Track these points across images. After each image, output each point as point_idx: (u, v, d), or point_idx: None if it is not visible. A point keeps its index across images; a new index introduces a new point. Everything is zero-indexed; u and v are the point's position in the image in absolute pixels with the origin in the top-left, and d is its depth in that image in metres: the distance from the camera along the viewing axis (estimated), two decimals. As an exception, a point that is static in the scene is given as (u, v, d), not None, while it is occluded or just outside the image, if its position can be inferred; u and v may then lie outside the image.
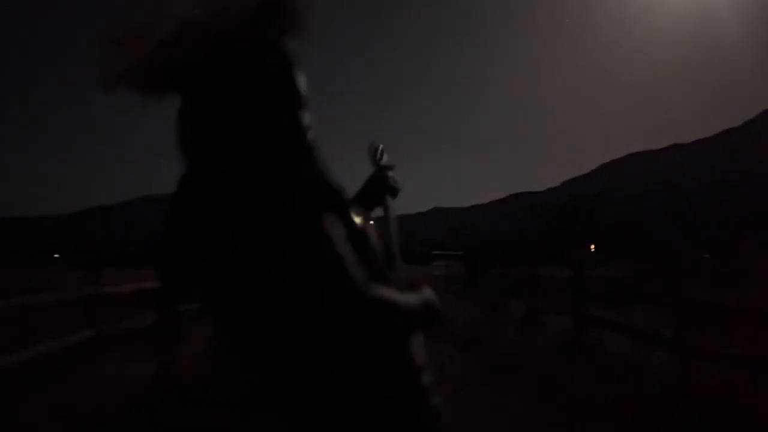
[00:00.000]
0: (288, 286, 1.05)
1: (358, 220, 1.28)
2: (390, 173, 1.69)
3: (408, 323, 1.18)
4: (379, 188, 1.66)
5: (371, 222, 1.40)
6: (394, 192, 1.68)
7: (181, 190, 1.19)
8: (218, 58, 1.18)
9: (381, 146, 1.75)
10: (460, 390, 4.97)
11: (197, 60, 1.18)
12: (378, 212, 1.66)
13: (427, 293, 1.28)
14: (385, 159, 1.73)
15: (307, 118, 1.25)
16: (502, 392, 5.21)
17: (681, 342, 5.33)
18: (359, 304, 1.07)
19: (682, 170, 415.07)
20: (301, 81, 1.25)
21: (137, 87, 1.19)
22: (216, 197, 1.12)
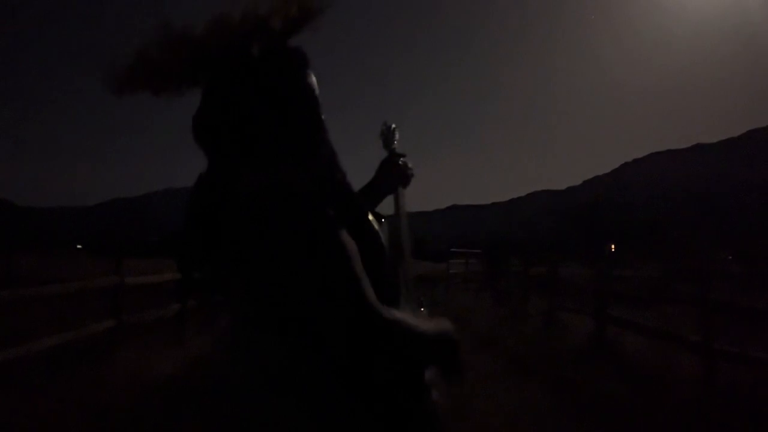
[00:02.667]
0: (302, 294, 1.04)
1: (373, 222, 1.26)
2: (403, 160, 1.59)
3: (419, 350, 1.12)
4: (390, 175, 1.57)
5: (383, 220, 1.37)
6: (406, 180, 1.59)
7: (201, 185, 1.18)
8: (233, 57, 1.15)
9: (393, 125, 1.62)
10: (475, 390, 4.94)
11: (213, 60, 1.15)
12: (389, 202, 1.58)
13: (445, 324, 1.21)
14: (397, 138, 1.62)
15: (321, 118, 1.19)
16: (519, 392, 5.16)
17: (704, 344, 5.25)
18: (372, 324, 1.03)
19: (706, 170, 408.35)
20: (314, 80, 1.18)
21: (151, 88, 1.16)
22: (231, 198, 1.10)
